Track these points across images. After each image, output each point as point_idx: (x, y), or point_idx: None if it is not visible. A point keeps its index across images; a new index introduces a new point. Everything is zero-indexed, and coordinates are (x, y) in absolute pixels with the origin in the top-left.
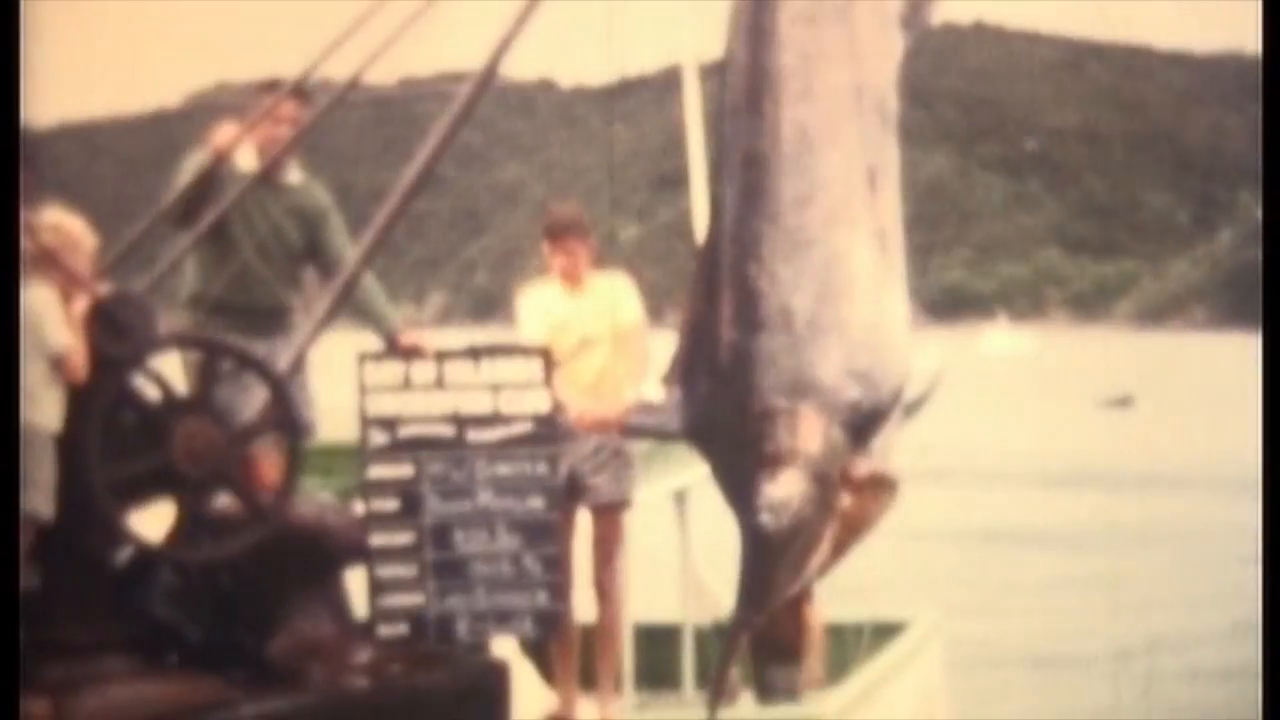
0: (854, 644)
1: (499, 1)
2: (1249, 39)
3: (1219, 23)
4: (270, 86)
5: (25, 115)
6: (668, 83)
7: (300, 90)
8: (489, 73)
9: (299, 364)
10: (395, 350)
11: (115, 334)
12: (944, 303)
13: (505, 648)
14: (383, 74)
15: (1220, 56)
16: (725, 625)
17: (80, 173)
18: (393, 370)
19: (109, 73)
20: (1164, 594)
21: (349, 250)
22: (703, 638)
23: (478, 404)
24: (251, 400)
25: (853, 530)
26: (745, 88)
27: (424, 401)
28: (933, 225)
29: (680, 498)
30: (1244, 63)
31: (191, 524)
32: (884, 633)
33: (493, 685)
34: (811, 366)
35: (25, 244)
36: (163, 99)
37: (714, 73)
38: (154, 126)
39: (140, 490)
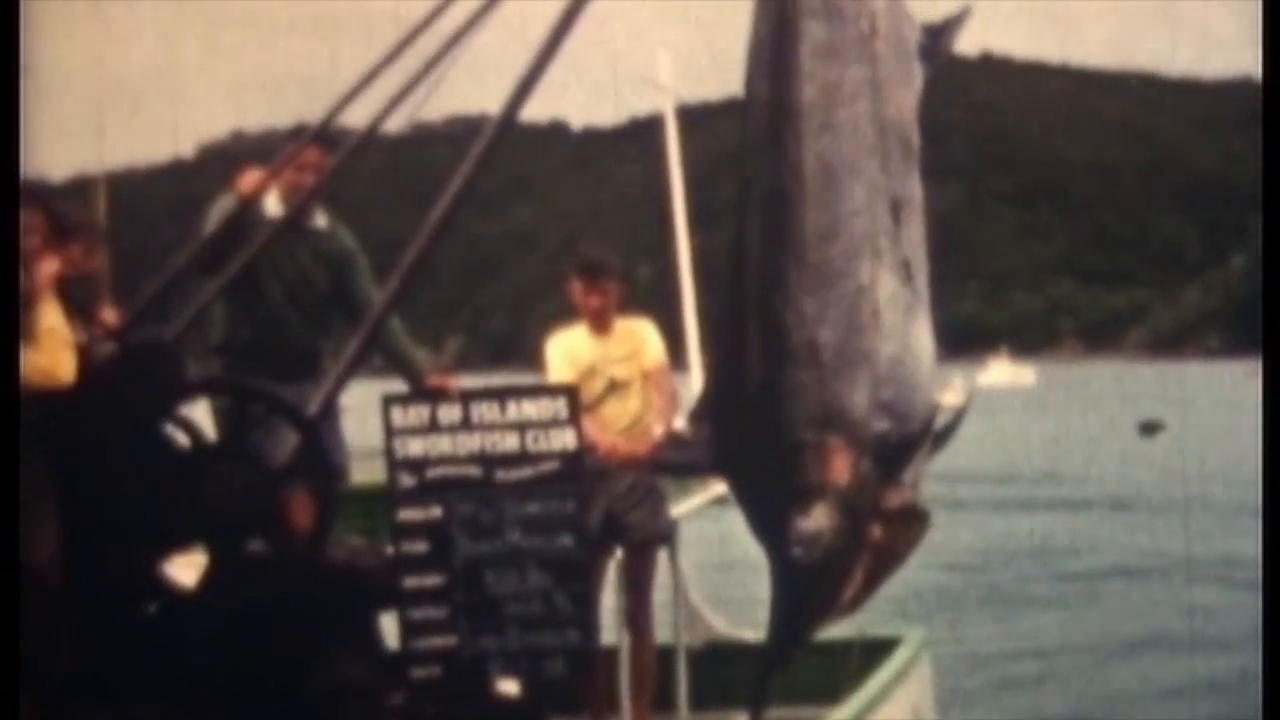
0: (843, 661)
1: (507, 47)
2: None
3: (1227, 48)
4: (296, 133)
5: (39, 167)
6: (687, 120)
7: (325, 136)
8: (509, 117)
9: (329, 408)
10: (421, 392)
11: (144, 381)
12: (957, 335)
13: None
14: (395, 120)
15: (1229, 82)
16: (719, 647)
17: (129, 224)
18: (419, 412)
19: (122, 123)
20: (1170, 618)
21: (377, 295)
22: (696, 659)
23: (505, 444)
24: (282, 445)
25: (884, 562)
26: (767, 123)
27: (451, 443)
28: (944, 258)
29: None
30: (1253, 88)
31: (224, 570)
32: (873, 650)
33: None
34: (839, 399)
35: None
36: (178, 149)
37: (700, 116)
38: (170, 177)
39: (172, 537)
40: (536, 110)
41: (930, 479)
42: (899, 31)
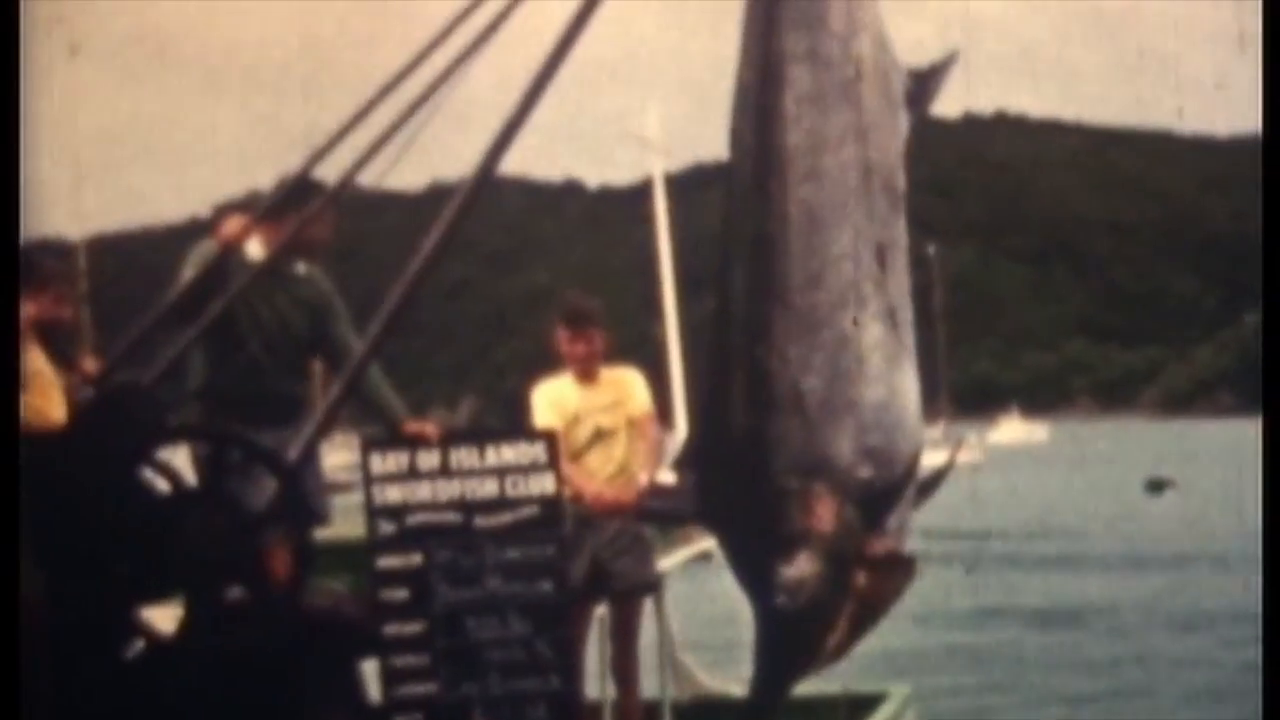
0: (830, 718)
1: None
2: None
3: (1239, 105)
4: (279, 183)
5: (49, 227)
6: (691, 180)
7: (307, 184)
8: (489, 165)
9: (309, 454)
10: (400, 438)
11: (123, 426)
12: (971, 394)
13: None
14: (413, 178)
15: (1243, 139)
16: (706, 702)
17: (113, 285)
18: (398, 458)
19: (139, 183)
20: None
21: (355, 341)
22: (682, 713)
23: (484, 489)
24: (262, 491)
25: (869, 610)
26: (752, 170)
27: (430, 489)
28: (959, 317)
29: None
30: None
31: (203, 617)
32: (860, 706)
33: None
34: (824, 446)
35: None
36: (194, 208)
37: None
38: (186, 237)
39: (151, 583)
40: (550, 170)
41: (940, 537)
42: (885, 77)
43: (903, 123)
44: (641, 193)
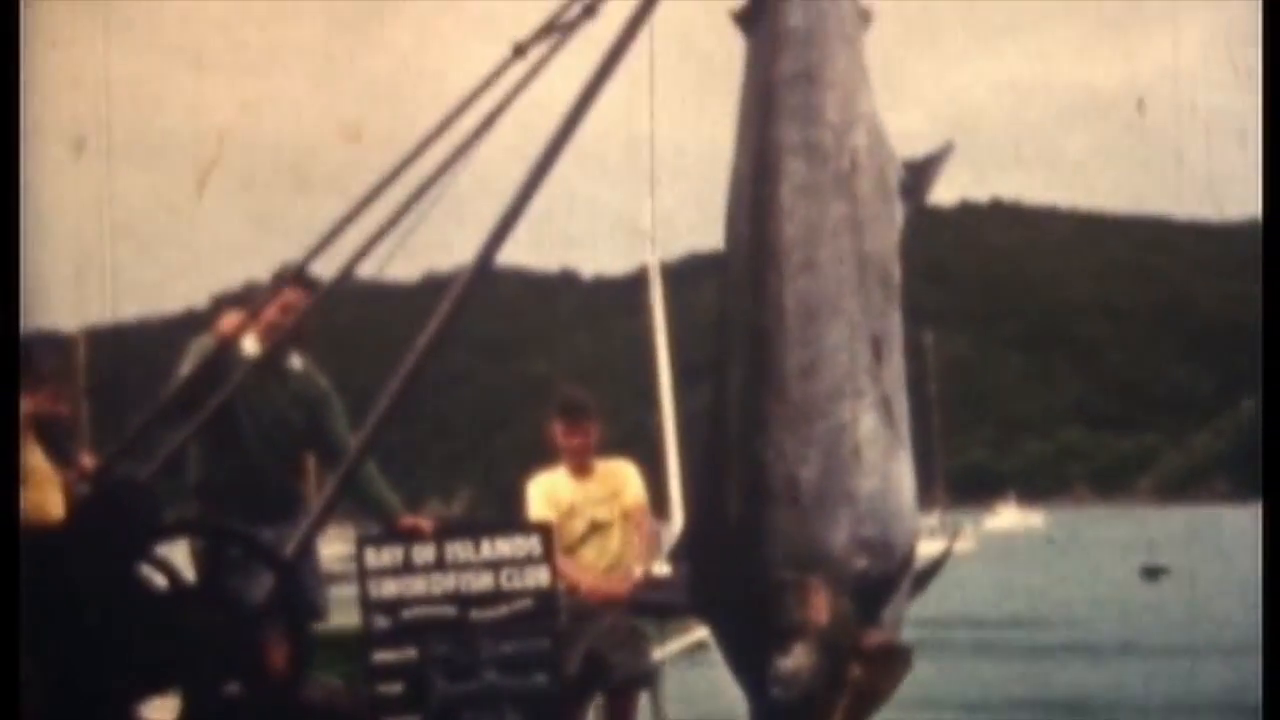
0: None
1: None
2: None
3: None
4: (278, 276)
5: (50, 322)
6: (687, 270)
7: (303, 279)
8: (485, 259)
9: (306, 549)
10: (395, 533)
11: (121, 522)
12: (967, 482)
13: None
14: (407, 269)
15: (1239, 224)
16: None
17: (111, 378)
18: (393, 553)
19: (135, 274)
20: None
21: (350, 436)
22: None
23: (480, 583)
24: (260, 586)
25: (865, 701)
26: (748, 261)
27: (426, 583)
28: (955, 404)
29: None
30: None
31: (202, 711)
32: None
33: None
34: (820, 538)
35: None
36: (191, 300)
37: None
38: (183, 328)
39: (150, 678)
40: (548, 260)
41: (937, 625)
42: (880, 169)
43: (898, 214)
44: (637, 282)
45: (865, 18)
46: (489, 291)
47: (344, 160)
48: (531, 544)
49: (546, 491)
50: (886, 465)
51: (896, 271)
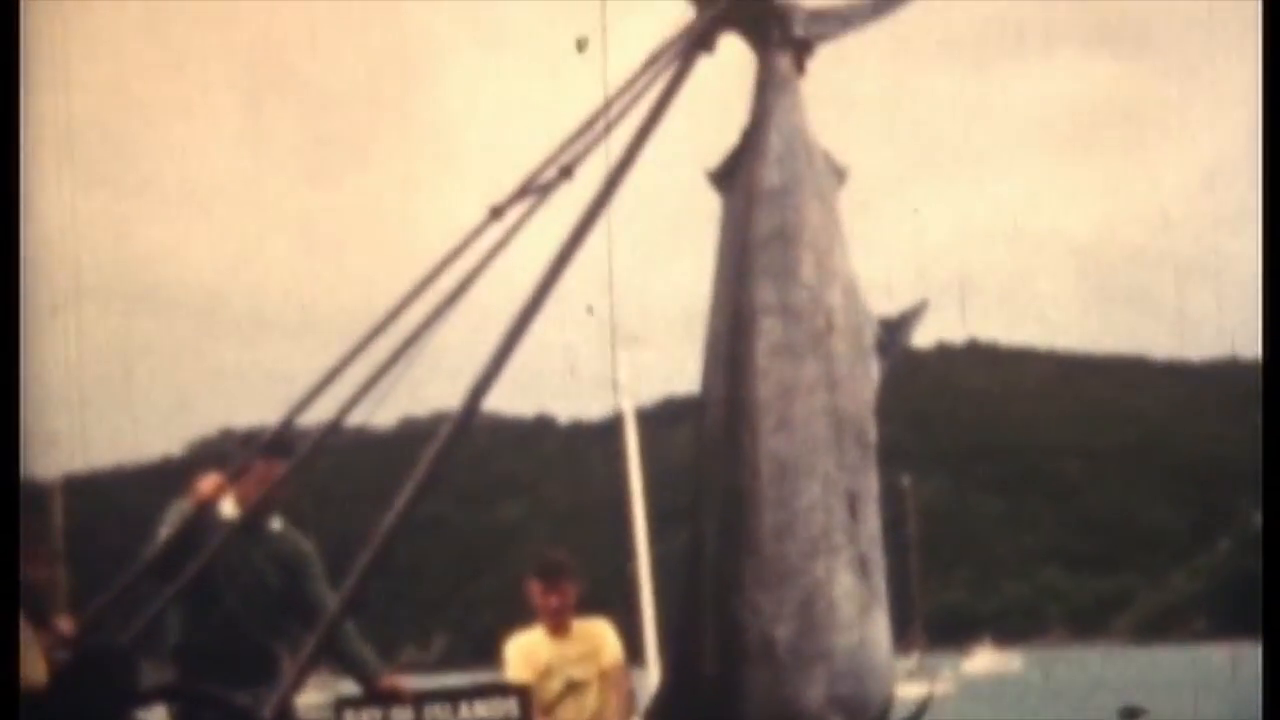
0: None
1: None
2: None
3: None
4: (251, 438)
5: (28, 471)
6: (663, 415)
7: (280, 442)
8: (468, 413)
9: (284, 712)
10: (373, 694)
11: (100, 688)
12: (944, 624)
13: None
14: (385, 416)
15: (1216, 363)
16: None
17: (85, 528)
18: (371, 715)
19: (109, 420)
20: None
21: (329, 597)
22: None
23: None
24: None
25: None
26: (723, 420)
27: None
28: (933, 546)
29: None
30: (1240, 368)
31: None
32: None
33: None
34: (795, 696)
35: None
36: (167, 446)
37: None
38: (157, 476)
39: None
40: (522, 406)
41: None
42: (856, 327)
43: (874, 371)
44: (613, 428)
45: (840, 175)
46: (463, 438)
47: (328, 310)
48: (509, 705)
49: (524, 652)
50: (862, 622)
51: (873, 429)
